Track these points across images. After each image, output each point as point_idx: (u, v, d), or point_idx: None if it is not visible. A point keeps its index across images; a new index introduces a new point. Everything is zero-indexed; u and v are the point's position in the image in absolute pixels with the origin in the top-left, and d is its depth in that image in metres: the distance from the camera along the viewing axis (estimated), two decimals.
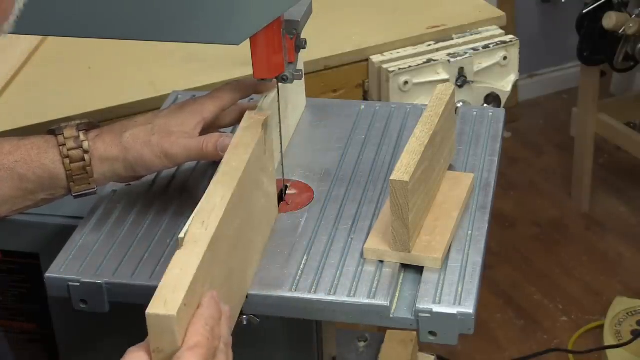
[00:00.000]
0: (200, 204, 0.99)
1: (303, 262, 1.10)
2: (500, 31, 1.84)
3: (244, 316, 1.06)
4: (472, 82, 1.76)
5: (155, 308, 0.85)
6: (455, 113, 1.24)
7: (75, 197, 1.13)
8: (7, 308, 1.40)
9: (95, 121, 1.15)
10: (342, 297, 1.05)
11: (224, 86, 1.18)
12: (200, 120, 1.14)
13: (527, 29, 3.34)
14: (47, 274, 1.10)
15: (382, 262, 1.09)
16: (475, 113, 1.38)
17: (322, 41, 1.71)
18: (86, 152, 1.10)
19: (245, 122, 1.11)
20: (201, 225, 0.95)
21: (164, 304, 0.85)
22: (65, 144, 1.10)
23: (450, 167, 1.24)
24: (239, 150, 1.07)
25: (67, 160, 1.10)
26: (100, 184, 1.14)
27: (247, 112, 1.13)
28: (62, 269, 1.11)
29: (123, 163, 1.12)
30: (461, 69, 1.75)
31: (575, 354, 2.50)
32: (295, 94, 1.34)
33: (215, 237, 0.94)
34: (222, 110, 1.17)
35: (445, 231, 1.11)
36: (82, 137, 1.10)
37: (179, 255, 0.91)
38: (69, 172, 1.10)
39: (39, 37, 1.77)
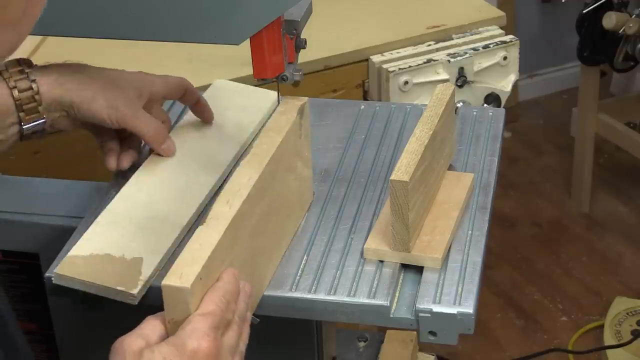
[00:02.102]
0: (227, 183, 1.00)
1: (303, 262, 1.10)
2: (500, 31, 1.84)
3: None
4: (472, 82, 1.76)
5: (170, 280, 0.86)
6: (455, 113, 1.24)
7: (25, 134, 1.14)
8: None
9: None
10: (342, 297, 1.05)
11: (179, 80, 1.24)
12: (147, 96, 1.19)
13: (527, 29, 3.34)
14: (47, 274, 1.10)
15: (382, 262, 1.09)
16: (475, 113, 1.38)
17: (322, 41, 1.71)
18: (33, 81, 1.11)
19: (281, 107, 1.13)
20: (225, 204, 0.96)
21: (180, 276, 0.86)
22: (11, 77, 1.11)
23: (450, 167, 1.24)
24: (271, 133, 1.08)
25: (15, 91, 1.11)
26: (48, 118, 1.14)
27: (285, 97, 1.15)
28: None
29: (65, 88, 1.13)
30: (461, 69, 1.75)
31: (575, 354, 2.50)
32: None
33: (238, 216, 0.95)
34: (165, 99, 1.25)
35: (445, 231, 1.11)
36: (26, 69, 1.12)
37: (200, 231, 0.93)
38: (18, 102, 1.11)
39: (39, 37, 1.77)
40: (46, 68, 1.14)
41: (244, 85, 1.40)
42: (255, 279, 1.02)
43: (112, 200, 1.16)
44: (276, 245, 1.09)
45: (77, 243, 1.09)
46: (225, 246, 0.92)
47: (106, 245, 1.09)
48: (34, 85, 1.11)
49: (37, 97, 1.12)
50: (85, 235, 1.11)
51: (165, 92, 1.22)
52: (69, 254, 1.08)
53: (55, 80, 1.13)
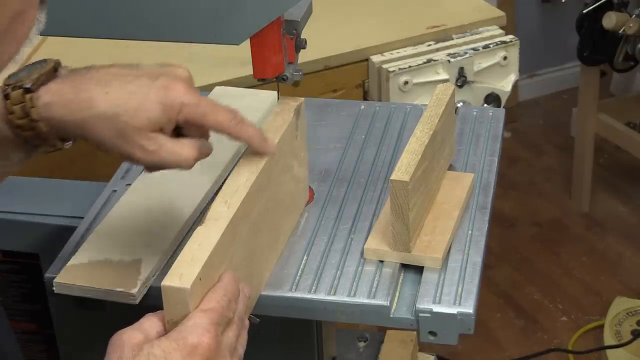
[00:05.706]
0: (225, 184, 1.01)
1: (303, 262, 1.10)
2: (500, 31, 1.84)
3: None
4: (472, 82, 1.76)
5: (170, 280, 0.86)
6: (455, 113, 1.24)
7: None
8: (7, 308, 1.40)
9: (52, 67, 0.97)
10: (342, 297, 1.05)
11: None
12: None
13: (527, 29, 3.34)
14: (47, 274, 1.10)
15: (382, 262, 1.09)
16: (475, 113, 1.38)
17: (322, 41, 1.71)
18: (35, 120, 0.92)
19: (278, 107, 1.13)
20: (224, 204, 0.97)
21: (179, 276, 0.86)
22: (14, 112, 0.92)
23: (450, 167, 1.24)
24: (268, 134, 1.08)
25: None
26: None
27: (281, 98, 1.14)
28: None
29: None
30: (461, 69, 1.75)
31: (575, 354, 2.50)
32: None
33: (236, 217, 0.96)
34: None
35: (445, 231, 1.11)
36: (28, 103, 0.92)
37: (199, 231, 0.93)
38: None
39: (39, 37, 1.77)
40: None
41: (243, 89, 1.40)
42: (253, 279, 1.02)
43: (112, 209, 1.16)
44: (273, 245, 1.09)
45: (77, 252, 1.09)
46: (224, 246, 0.93)
47: (105, 252, 1.09)
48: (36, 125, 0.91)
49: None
50: (85, 244, 1.11)
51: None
52: (69, 263, 1.08)
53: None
